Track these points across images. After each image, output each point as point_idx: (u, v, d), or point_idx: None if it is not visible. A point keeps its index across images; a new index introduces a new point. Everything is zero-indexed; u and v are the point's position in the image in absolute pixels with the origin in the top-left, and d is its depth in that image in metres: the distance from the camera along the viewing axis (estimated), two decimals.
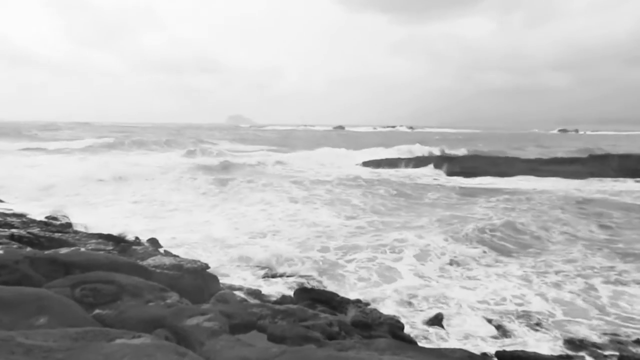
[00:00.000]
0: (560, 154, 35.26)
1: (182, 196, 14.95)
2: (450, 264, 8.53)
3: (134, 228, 9.93)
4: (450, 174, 23.76)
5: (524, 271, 8.21)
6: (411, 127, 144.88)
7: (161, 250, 7.54)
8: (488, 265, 8.54)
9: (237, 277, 7.53)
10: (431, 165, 24.88)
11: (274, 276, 7.71)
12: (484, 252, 9.35)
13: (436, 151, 35.56)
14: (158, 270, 5.07)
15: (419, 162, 25.82)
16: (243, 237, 10.06)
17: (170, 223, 11.11)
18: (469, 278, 7.87)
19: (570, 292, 7.29)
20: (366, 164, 28.06)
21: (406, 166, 25.67)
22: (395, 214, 12.44)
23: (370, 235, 10.22)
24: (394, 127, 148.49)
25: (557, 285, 7.56)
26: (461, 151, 36.32)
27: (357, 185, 18.14)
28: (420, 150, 35.71)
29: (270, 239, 9.86)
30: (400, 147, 36.31)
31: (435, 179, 22.41)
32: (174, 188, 16.50)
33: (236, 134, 79.57)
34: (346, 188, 17.51)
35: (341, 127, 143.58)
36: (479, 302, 6.88)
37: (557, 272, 8.14)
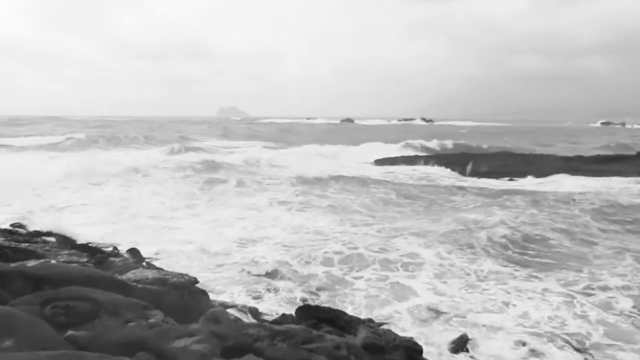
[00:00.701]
0: (601, 150, 35.17)
1: (163, 200, 15.11)
2: (477, 279, 8.54)
3: (110, 237, 10.03)
4: (475, 174, 23.81)
5: (562, 288, 8.20)
6: (430, 120, 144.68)
7: (143, 262, 7.60)
8: (521, 281, 8.54)
9: (230, 292, 7.60)
10: (453, 164, 24.90)
11: (272, 291, 7.75)
12: (516, 265, 9.36)
13: (456, 147, 35.72)
14: (139, 285, 5.11)
15: (439, 160, 25.86)
16: (234, 246, 10.19)
17: (152, 231, 11.25)
18: (499, 295, 7.87)
19: (617, 313, 7.27)
20: (378, 162, 28.37)
21: (425, 164, 25.67)
22: (410, 222, 12.49)
23: (381, 246, 10.28)
24: (408, 120, 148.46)
25: (601, 305, 7.54)
26: (488, 147, 36.43)
27: (365, 188, 18.19)
28: (436, 146, 35.92)
29: (265, 249, 9.98)
30: (411, 142, 36.54)
31: (458, 180, 22.43)
32: (154, 191, 16.66)
33: (227, 128, 79.93)
34: (351, 191, 17.61)
35: (349, 120, 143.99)
36: (510, 322, 6.88)
37: (601, 290, 8.12)
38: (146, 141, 41.49)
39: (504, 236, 11.26)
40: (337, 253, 9.69)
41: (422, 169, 25.02)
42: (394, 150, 33.97)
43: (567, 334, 6.60)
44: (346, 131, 76.91)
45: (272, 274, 8.52)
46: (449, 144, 38.07)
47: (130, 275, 5.42)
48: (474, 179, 22.99)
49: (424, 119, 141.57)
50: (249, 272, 8.59)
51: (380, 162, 28.62)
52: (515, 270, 9.07)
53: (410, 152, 32.44)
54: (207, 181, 18.87)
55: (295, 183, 18.80)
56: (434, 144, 37.32)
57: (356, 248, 9.96)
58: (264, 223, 12.29)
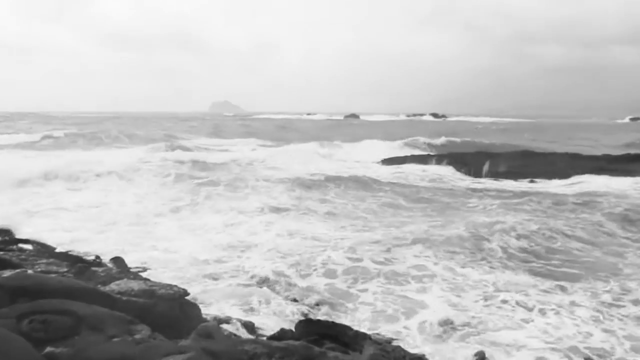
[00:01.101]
0: (630, 148, 35.14)
1: (147, 205, 15.22)
2: (495, 291, 8.55)
3: (91, 245, 10.07)
4: (492, 174, 23.81)
5: (588, 301, 8.21)
6: (442, 116, 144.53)
7: (128, 272, 7.63)
8: (542, 293, 8.55)
9: (222, 305, 7.63)
10: (468, 164, 24.99)
11: (268, 304, 7.76)
12: (537, 276, 9.38)
13: (467, 144, 35.83)
14: (124, 298, 5.13)
15: (452, 159, 25.87)
16: (225, 255, 10.26)
17: (136, 238, 11.32)
18: (518, 309, 7.89)
19: None
20: (386, 161, 28.62)
21: (437, 164, 25.68)
22: (420, 229, 12.50)
23: (388, 256, 10.31)
24: (417, 115, 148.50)
25: (636, 319, 7.55)
26: (502, 145, 36.51)
27: (370, 192, 18.20)
28: (443, 143, 36.06)
29: (259, 258, 10.05)
30: (415, 140, 36.69)
31: (473, 182, 22.44)
32: (138, 195, 16.76)
33: (219, 124, 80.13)
34: (354, 195, 17.67)
35: (354, 116, 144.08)
36: (531, 338, 6.89)
37: (632, 304, 8.11)
38: (130, 140, 41.57)
39: (524, 244, 11.29)
40: (338, 264, 9.71)
41: (433, 169, 25.10)
42: (393, 148, 34.35)
43: (589, 348, 6.61)
44: (349, 127, 77.07)
45: (268, 285, 8.55)
46: (457, 140, 38.26)
47: (114, 286, 5.43)
48: (492, 181, 22.98)
49: (433, 115, 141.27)
50: (242, 284, 8.61)
51: (388, 161, 28.83)
52: (537, 281, 9.07)
53: (414, 151, 32.80)
54: (195, 183, 18.96)
55: (292, 185, 18.91)
56: (440, 141, 37.52)
57: (360, 260, 9.94)
58: (257, 229, 12.36)
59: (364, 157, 30.58)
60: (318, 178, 20.72)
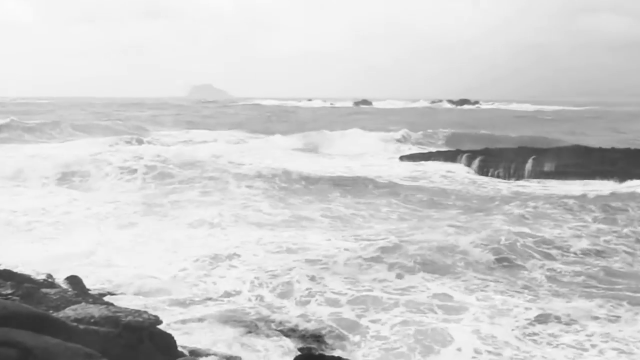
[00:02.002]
0: None
1: (105, 211, 15.34)
2: (540, 322, 8.54)
3: (41, 261, 10.11)
4: (537, 174, 23.82)
5: None
6: (475, 102, 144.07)
7: (87, 295, 7.65)
8: (603, 322, 8.52)
9: (203, 335, 7.66)
10: (507, 161, 24.99)
11: (258, 335, 7.79)
12: (596, 301, 9.35)
13: (484, 139, 35.97)
14: (82, 326, 5.15)
15: (489, 157, 25.86)
16: (201, 274, 10.39)
17: (92, 253, 11.38)
18: (573, 344, 7.87)
19: None
20: (405, 158, 28.87)
21: (469, 164, 25.70)
22: (446, 246, 12.43)
23: (406, 279, 10.32)
24: (435, 101, 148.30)
25: None
26: (551, 139, 36.54)
27: (386, 198, 18.16)
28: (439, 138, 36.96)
29: (243, 277, 10.17)
30: (407, 134, 37.68)
31: (513, 184, 22.42)
32: (93, 199, 16.89)
33: (198, 113, 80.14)
34: (357, 200, 17.80)
35: (366, 102, 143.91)
36: None
37: None
38: (86, 133, 41.66)
39: (578, 263, 11.32)
40: (338, 293, 9.67)
41: (461, 169, 25.26)
42: (386, 142, 35.54)
43: None
44: (356, 116, 77.02)
45: (255, 311, 8.59)
46: (467, 132, 38.87)
47: (70, 312, 5.46)
48: (536, 182, 22.96)
49: (464, 101, 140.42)
50: (226, 309, 8.64)
51: (408, 158, 29.00)
52: (598, 307, 9.08)
53: (408, 147, 33.97)
54: (162, 186, 19.17)
55: (279, 187, 19.16)
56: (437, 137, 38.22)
57: (371, 289, 9.87)
58: (236, 241, 12.48)
59: (345, 149, 31.49)
60: (315, 177, 20.95)
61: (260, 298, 9.23)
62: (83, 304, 6.11)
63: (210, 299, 9.24)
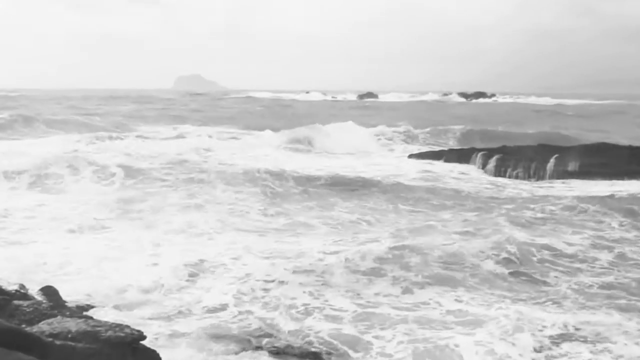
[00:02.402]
0: None
1: (73, 215, 15.38)
2: (564, 339, 8.52)
3: (11, 270, 10.09)
4: (559, 174, 23.88)
5: None
6: (492, 95, 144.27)
7: (63, 307, 7.70)
8: (635, 338, 8.50)
9: (190, 352, 7.65)
10: (527, 160, 25.06)
11: (252, 350, 7.78)
12: (626, 315, 9.32)
13: (490, 136, 36.36)
14: (58, 342, 5.15)
15: (507, 156, 25.89)
16: (187, 285, 10.46)
17: (66, 261, 11.40)
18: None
19: None
20: (414, 156, 29.03)
21: (485, 163, 25.80)
22: (460, 255, 12.45)
23: (415, 294, 10.34)
24: (447, 94, 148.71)
25: None
26: (572, 136, 36.70)
27: (393, 203, 18.22)
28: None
29: (234, 287, 10.23)
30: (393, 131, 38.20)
31: (533, 185, 22.50)
32: (62, 203, 16.87)
33: (184, 107, 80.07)
34: (357, 202, 17.87)
35: (371, 95, 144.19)
36: None
37: None
38: (61, 128, 41.67)
39: (605, 274, 11.31)
40: (340, 309, 9.66)
41: (476, 169, 25.46)
42: (375, 138, 36.21)
43: None
44: (359, 110, 77.00)
45: (245, 326, 8.59)
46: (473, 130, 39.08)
47: (45, 326, 5.46)
48: (559, 183, 23.03)
49: (479, 94, 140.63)
50: (213, 325, 8.65)
51: (417, 156, 29.09)
52: (627, 320, 9.06)
53: (391, 144, 34.96)
54: (142, 188, 19.21)
55: (272, 189, 19.35)
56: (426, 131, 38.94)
57: (376, 305, 9.87)
58: (223, 249, 12.56)
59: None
60: (310, 178, 21.11)
61: (250, 312, 9.18)
62: (59, 317, 6.11)
63: (195, 312, 9.25)
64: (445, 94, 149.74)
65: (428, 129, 39.61)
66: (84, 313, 7.93)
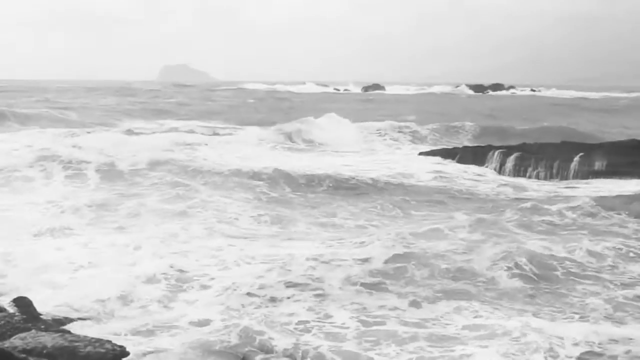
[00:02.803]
0: None
1: (42, 219, 15.49)
2: (590, 356, 8.51)
3: None
4: (584, 174, 23.96)
5: None
6: (510, 87, 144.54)
7: (38, 320, 7.70)
8: None
9: None
10: (548, 159, 25.16)
11: None
12: None
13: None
14: (32, 358, 5.17)
15: (527, 155, 25.96)
16: (167, 295, 10.47)
17: (40, 270, 11.41)
18: None
19: None
20: (425, 154, 29.24)
21: (503, 162, 25.93)
22: (476, 266, 12.44)
23: (427, 308, 10.33)
24: (459, 86, 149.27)
25: None
26: (586, 132, 37.02)
27: (403, 209, 18.10)
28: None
29: (221, 299, 10.25)
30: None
31: (561, 185, 22.57)
32: (29, 206, 16.97)
33: (169, 100, 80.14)
34: (361, 207, 17.90)
35: (378, 87, 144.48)
36: None
37: None
38: (33, 124, 41.84)
39: (636, 285, 11.28)
40: (342, 327, 9.64)
41: (493, 168, 25.59)
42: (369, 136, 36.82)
43: None
44: (364, 104, 77.09)
45: (233, 342, 8.57)
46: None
47: (18, 342, 5.47)
48: (584, 183, 23.07)
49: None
50: (198, 340, 8.62)
51: (429, 154, 29.24)
52: None
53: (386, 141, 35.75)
54: (119, 190, 19.22)
55: (263, 191, 19.57)
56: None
57: (383, 321, 9.84)
58: (208, 258, 12.58)
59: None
60: (306, 178, 21.37)
61: (240, 327, 9.08)
62: (33, 331, 6.13)
63: (179, 326, 9.23)
64: (457, 85, 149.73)
65: (436, 125, 39.94)
66: (61, 327, 7.92)
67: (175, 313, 9.77)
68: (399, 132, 38.27)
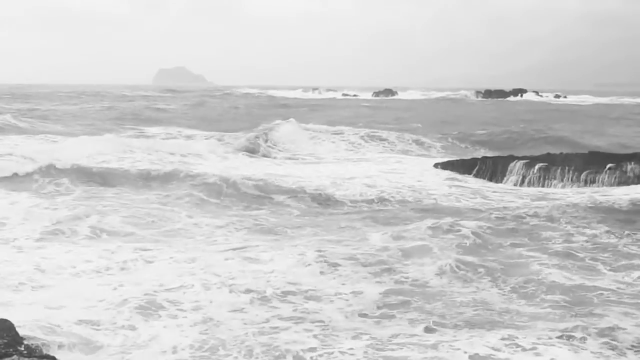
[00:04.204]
0: None
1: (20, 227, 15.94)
2: None
3: None
4: (614, 186, 23.85)
5: None
6: (536, 92, 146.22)
7: (20, 344, 7.52)
8: None
9: None
10: (575, 172, 25.18)
11: None
12: None
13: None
14: None
15: (551, 167, 26.01)
16: (131, 323, 10.11)
17: (18, 286, 11.57)
18: None
19: None
20: (442, 166, 28.78)
21: (526, 173, 25.81)
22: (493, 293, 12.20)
23: (437, 333, 10.07)
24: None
25: None
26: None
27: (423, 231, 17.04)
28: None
29: (197, 328, 9.96)
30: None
31: (586, 198, 22.24)
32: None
33: (157, 105, 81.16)
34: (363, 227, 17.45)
35: (390, 92, 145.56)
36: None
37: None
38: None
39: None
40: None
41: (515, 179, 25.38)
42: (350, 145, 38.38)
43: None
44: (371, 110, 77.68)
45: None
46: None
47: None
48: (614, 196, 22.86)
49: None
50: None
51: (446, 165, 28.62)
52: None
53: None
54: (73, 205, 18.98)
55: (234, 202, 20.31)
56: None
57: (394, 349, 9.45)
58: (182, 274, 12.49)
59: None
60: (292, 192, 21.69)
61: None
62: (16, 357, 5.92)
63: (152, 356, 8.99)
64: (479, 91, 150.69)
65: (455, 133, 40.72)
66: (45, 353, 7.77)
67: (146, 340, 9.51)
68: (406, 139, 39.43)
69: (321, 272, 12.96)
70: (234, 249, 14.66)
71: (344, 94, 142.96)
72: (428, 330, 10.15)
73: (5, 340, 7.43)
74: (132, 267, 13.14)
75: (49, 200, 19.72)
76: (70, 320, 9.87)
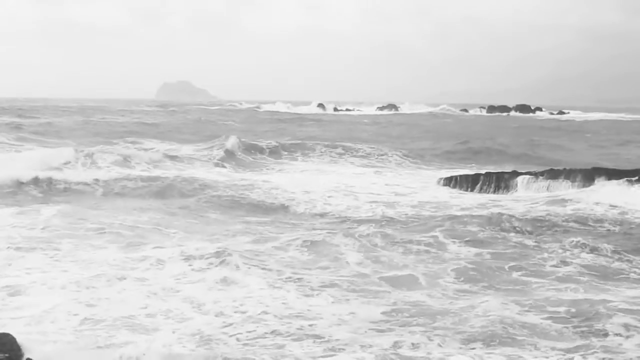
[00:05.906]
0: None
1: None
2: None
3: None
4: None
5: None
6: (539, 108, 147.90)
7: None
8: None
9: None
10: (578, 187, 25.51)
11: None
12: None
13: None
14: None
15: (554, 183, 26.62)
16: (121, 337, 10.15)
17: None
18: None
19: None
20: (448, 181, 28.89)
21: (528, 187, 26.42)
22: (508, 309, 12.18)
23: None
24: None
25: None
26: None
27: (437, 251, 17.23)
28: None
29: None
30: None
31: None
32: None
33: (156, 121, 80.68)
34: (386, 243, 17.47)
35: (392, 107, 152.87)
36: None
37: None
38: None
39: None
40: None
41: (520, 195, 25.60)
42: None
43: None
44: (373, 127, 77.32)
45: None
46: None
47: None
48: (616, 212, 22.69)
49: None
50: None
51: (451, 181, 28.76)
52: None
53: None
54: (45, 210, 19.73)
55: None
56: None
57: None
58: (158, 292, 12.57)
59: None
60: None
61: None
62: None
63: None
64: (482, 107, 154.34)
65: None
66: None
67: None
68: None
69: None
70: None
71: (347, 109, 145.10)
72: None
73: (7, 354, 7.55)
74: None
75: None
76: None
